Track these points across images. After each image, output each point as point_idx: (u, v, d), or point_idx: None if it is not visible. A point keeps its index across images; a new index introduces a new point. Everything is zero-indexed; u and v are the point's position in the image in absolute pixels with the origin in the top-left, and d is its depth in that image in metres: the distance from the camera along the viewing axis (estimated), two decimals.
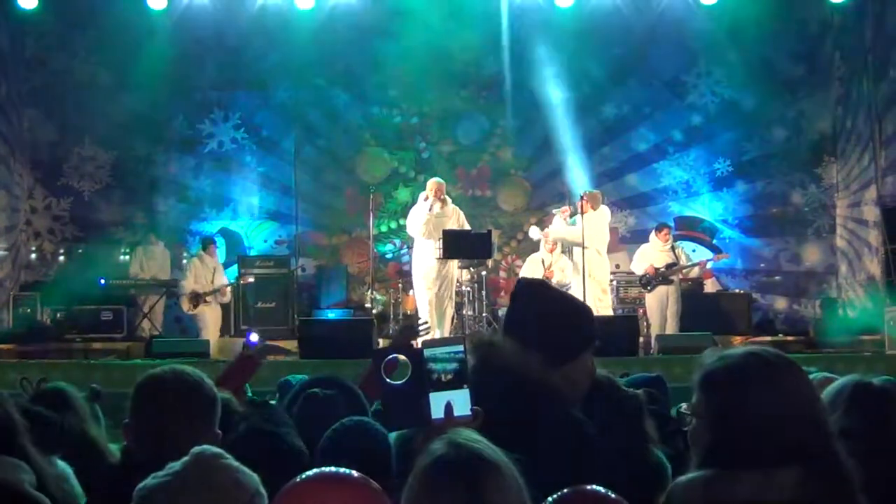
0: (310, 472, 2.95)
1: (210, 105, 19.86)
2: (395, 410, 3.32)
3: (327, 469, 3.00)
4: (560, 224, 15.79)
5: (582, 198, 15.42)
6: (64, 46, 19.49)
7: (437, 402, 3.15)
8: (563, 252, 16.27)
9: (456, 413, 3.10)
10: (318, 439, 4.06)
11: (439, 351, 3.25)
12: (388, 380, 3.29)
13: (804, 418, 2.84)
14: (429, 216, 14.61)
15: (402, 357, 3.30)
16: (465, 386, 3.19)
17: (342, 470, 2.97)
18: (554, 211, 16.16)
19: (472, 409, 3.13)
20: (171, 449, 3.24)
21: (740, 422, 2.84)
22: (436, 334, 14.73)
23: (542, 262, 15.97)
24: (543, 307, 3.89)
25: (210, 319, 16.51)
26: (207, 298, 16.50)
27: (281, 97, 19.71)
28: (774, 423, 2.81)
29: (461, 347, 3.28)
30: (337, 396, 4.73)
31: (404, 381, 3.29)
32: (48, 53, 19.57)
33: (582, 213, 15.27)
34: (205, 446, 3.03)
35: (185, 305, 16.73)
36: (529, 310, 3.92)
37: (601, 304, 15.21)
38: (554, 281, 15.64)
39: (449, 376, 3.20)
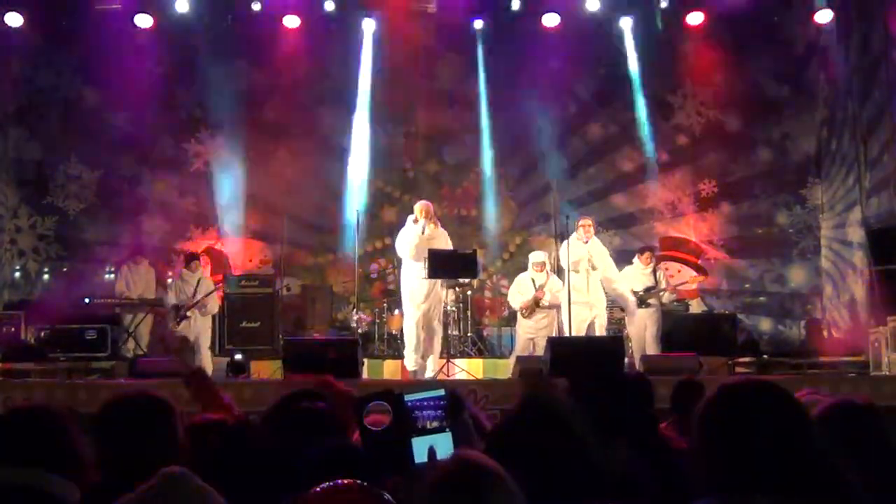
0: (325, 484, 2.96)
1: (196, 124, 19.84)
2: (378, 457, 3.33)
3: (338, 481, 3.01)
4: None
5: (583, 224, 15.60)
6: (50, 64, 19.48)
7: (420, 447, 3.16)
8: (552, 272, 16.25)
9: (440, 457, 3.09)
10: (299, 454, 4.05)
11: (421, 397, 3.26)
12: (369, 427, 3.30)
13: (800, 445, 2.85)
14: (421, 238, 14.59)
15: (383, 404, 3.31)
16: (448, 430, 3.20)
17: (356, 480, 2.98)
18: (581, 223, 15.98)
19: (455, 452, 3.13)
20: (140, 468, 3.24)
21: (736, 451, 2.85)
22: (424, 354, 14.72)
23: (533, 281, 15.96)
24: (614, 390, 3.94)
25: (188, 336, 16.40)
26: (188, 313, 16.38)
27: (267, 117, 19.69)
28: (771, 451, 2.82)
29: (442, 392, 3.28)
30: (320, 411, 4.72)
31: (385, 427, 3.30)
32: (34, 71, 19.55)
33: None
34: (172, 466, 3.03)
35: (170, 323, 16.65)
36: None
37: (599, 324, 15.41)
38: (545, 301, 15.68)
39: (434, 424, 3.21)
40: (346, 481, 3.03)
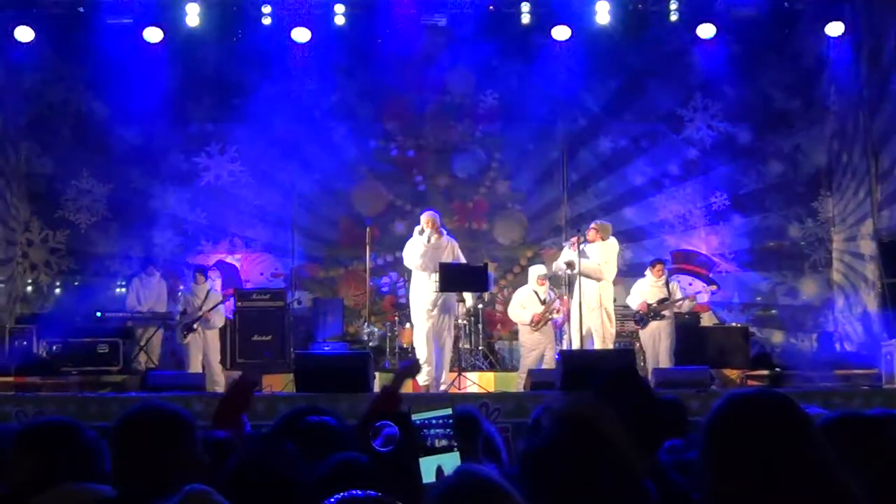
0: (338, 496, 2.94)
1: (207, 138, 19.86)
2: (386, 476, 3.32)
3: (352, 492, 2.99)
4: (572, 256, 15.71)
5: (592, 227, 15.50)
6: (61, 79, 19.54)
7: (428, 467, 3.15)
8: (552, 287, 16.27)
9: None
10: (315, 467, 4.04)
11: (428, 416, 3.25)
12: (377, 447, 3.30)
13: (806, 455, 2.85)
14: (426, 247, 14.59)
15: (390, 424, 3.30)
16: (456, 449, 3.19)
17: (369, 493, 2.97)
18: (564, 244, 16.16)
19: None
20: (157, 482, 3.24)
21: (743, 460, 2.85)
22: (435, 366, 14.69)
23: (536, 294, 15.97)
24: (654, 400, 3.90)
25: (193, 350, 16.38)
26: (195, 326, 16.40)
27: (277, 130, 19.66)
28: (776, 461, 2.82)
29: (450, 411, 3.28)
30: (332, 423, 4.71)
31: (393, 447, 3.29)
32: (45, 86, 19.60)
33: (589, 241, 15.33)
34: (195, 485, 3.02)
35: (178, 336, 16.67)
36: (640, 398, 3.94)
37: (607, 336, 15.32)
38: (558, 317, 15.72)
39: (442, 442, 3.20)
40: (359, 493, 3.02)
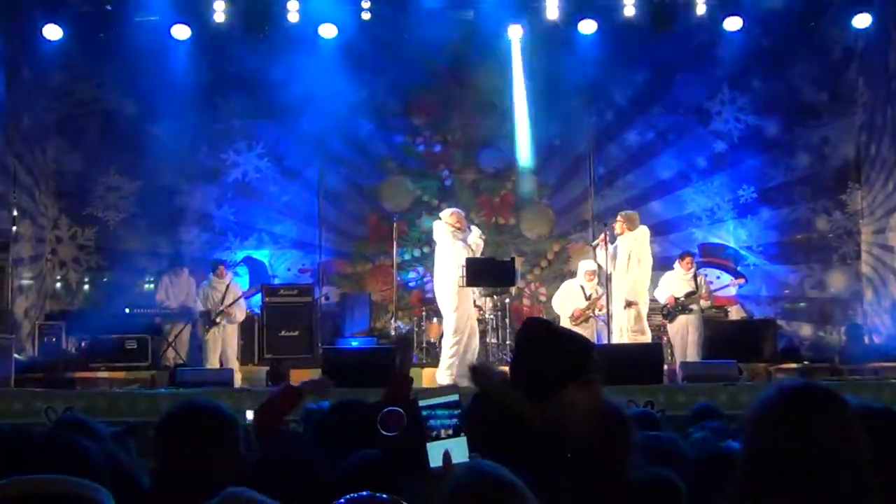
0: (346, 497, 2.95)
1: (234, 135, 19.92)
2: (393, 461, 3.34)
3: (360, 494, 3.00)
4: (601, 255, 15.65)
5: (618, 220, 15.42)
6: (89, 77, 19.62)
7: (435, 451, 3.17)
8: (599, 283, 16.18)
9: (454, 461, 3.09)
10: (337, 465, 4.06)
11: (435, 402, 3.27)
12: (384, 431, 3.31)
13: (848, 453, 2.85)
14: (466, 245, 14.63)
15: (397, 409, 3.32)
16: (463, 434, 3.21)
17: (376, 495, 2.97)
18: (593, 244, 16.12)
19: (469, 456, 3.13)
20: (201, 480, 3.25)
21: (786, 454, 2.85)
22: (461, 362, 14.67)
23: (583, 289, 15.92)
24: (533, 340, 3.89)
25: (212, 345, 16.45)
26: (217, 319, 16.47)
27: (304, 127, 19.65)
28: (820, 457, 2.83)
29: (457, 397, 3.29)
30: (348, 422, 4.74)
31: (400, 432, 3.31)
32: (73, 84, 19.68)
33: (618, 235, 15.26)
34: (236, 488, 3.02)
35: (200, 330, 16.75)
36: (522, 344, 3.97)
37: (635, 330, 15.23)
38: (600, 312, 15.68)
39: (449, 431, 3.22)
40: (367, 495, 3.03)
